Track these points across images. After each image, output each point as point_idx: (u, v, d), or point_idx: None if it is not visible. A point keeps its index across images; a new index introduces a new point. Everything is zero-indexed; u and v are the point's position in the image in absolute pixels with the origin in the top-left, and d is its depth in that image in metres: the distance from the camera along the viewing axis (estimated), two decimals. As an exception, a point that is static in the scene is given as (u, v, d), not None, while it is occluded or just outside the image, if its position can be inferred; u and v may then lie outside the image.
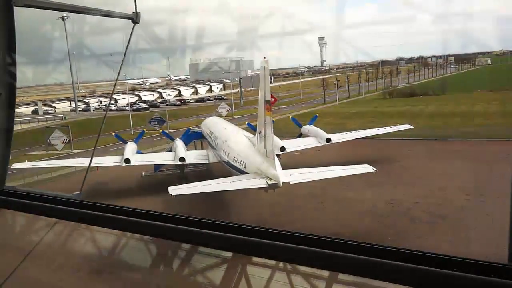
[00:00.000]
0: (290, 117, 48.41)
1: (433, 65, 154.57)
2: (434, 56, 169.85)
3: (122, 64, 10.50)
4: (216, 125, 40.88)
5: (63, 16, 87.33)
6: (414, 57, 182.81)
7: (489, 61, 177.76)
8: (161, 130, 46.64)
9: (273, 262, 3.64)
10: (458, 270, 2.42)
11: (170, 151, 40.39)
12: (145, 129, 46.11)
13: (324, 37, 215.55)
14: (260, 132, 25.95)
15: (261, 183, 23.69)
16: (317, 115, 44.67)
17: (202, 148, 44.03)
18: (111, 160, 36.93)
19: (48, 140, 57.21)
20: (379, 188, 31.64)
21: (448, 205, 28.80)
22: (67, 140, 57.47)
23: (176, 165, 37.82)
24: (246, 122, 44.84)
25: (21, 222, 6.37)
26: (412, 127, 42.32)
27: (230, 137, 33.34)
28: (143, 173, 40.57)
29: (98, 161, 36.48)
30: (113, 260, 5.53)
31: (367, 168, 25.34)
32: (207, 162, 37.16)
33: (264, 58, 24.45)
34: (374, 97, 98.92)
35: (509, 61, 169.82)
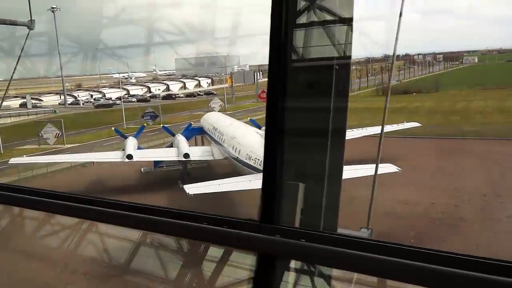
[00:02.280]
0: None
1: (421, 62, 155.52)
2: (419, 54, 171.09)
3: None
4: (219, 121, 39.60)
5: (52, 8, 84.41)
6: (399, 55, 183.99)
7: (476, 59, 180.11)
8: (161, 125, 45.09)
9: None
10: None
11: (171, 146, 39.13)
12: (145, 124, 44.63)
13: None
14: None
15: (280, 182, 22.56)
16: None
17: (202, 144, 42.84)
18: (112, 156, 35.43)
19: (40, 134, 55.11)
20: (390, 187, 30.86)
21: (466, 206, 28.16)
22: (59, 134, 55.45)
23: (179, 161, 36.54)
24: (249, 118, 43.70)
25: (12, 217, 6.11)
26: (420, 124, 41.68)
27: (240, 133, 32.10)
28: (142, 169, 39.22)
29: (98, 156, 35.03)
30: (112, 259, 5.42)
31: (391, 168, 24.47)
32: (212, 158, 35.91)
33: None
34: (367, 94, 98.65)
35: (496, 60, 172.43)
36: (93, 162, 40.74)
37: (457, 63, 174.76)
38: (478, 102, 71.42)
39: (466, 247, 21.91)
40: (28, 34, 7.25)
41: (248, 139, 29.66)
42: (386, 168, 24.61)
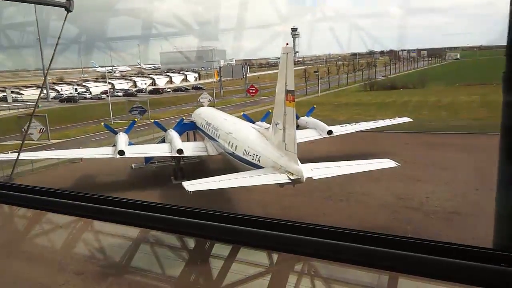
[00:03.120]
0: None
1: (406, 58, 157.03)
2: (403, 50, 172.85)
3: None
4: (213, 116, 38.98)
5: None
6: (384, 51, 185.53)
7: (458, 55, 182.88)
8: (153, 120, 44.19)
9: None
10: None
11: (163, 142, 38.43)
12: (136, 119, 43.69)
13: (297, 28, 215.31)
14: (277, 124, 24.37)
15: (282, 178, 22.25)
16: (314, 106, 43.49)
17: (194, 139, 42.23)
18: (103, 152, 34.52)
19: (23, 130, 53.53)
20: (385, 182, 30.87)
21: (460, 200, 28.32)
22: (44, 130, 53.96)
23: (172, 157, 35.88)
24: (242, 113, 43.20)
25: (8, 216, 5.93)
26: (411, 120, 41.79)
27: (236, 128, 31.57)
28: (132, 165, 38.44)
29: (89, 152, 34.13)
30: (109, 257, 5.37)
31: (389, 163, 24.37)
32: (206, 154, 35.36)
33: (287, 44, 22.84)
34: (355, 89, 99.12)
35: (478, 56, 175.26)
36: (82, 158, 39.76)
37: (440, 59, 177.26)
38: (464, 98, 72.42)
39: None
40: (66, 17, 6.60)
41: (245, 135, 29.18)
42: (385, 163, 24.51)
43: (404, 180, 31.56)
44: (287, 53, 22.56)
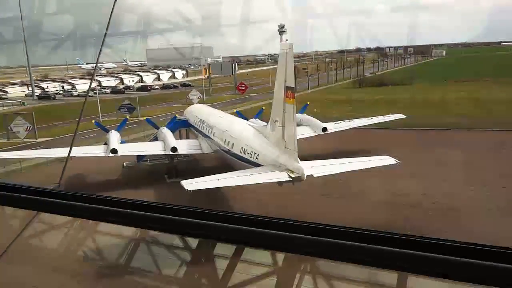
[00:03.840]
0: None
1: (393, 55, 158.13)
2: (390, 47, 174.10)
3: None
4: (207, 113, 38.45)
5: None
6: (371, 48, 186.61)
7: (444, 53, 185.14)
8: (145, 118, 43.44)
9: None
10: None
11: (156, 140, 37.80)
12: (127, 117, 42.89)
13: (284, 25, 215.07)
14: (276, 121, 24.01)
15: (282, 176, 21.94)
16: (308, 103, 43.27)
17: (187, 137, 41.66)
18: (95, 150, 33.76)
19: (9, 128, 52.24)
20: (381, 179, 30.78)
21: (456, 197, 28.37)
22: (31, 128, 52.71)
23: (165, 155, 35.29)
24: (236, 110, 42.74)
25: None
26: (404, 116, 41.83)
27: (232, 126, 31.10)
28: (124, 164, 37.75)
29: (80, 151, 33.28)
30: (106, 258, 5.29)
31: (389, 160, 24.23)
32: (201, 152, 34.86)
33: (286, 40, 22.48)
34: (344, 86, 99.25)
35: (463, 53, 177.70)
36: (71, 156, 38.87)
37: (426, 56, 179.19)
38: (452, 94, 73.09)
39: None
40: (114, 4, 6.32)
41: (242, 132, 28.74)
42: (384, 160, 24.35)
43: (399, 177, 31.52)
44: (286, 50, 22.19)
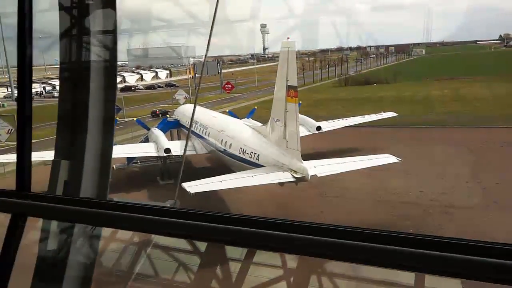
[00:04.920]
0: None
1: (375, 54, 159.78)
2: (370, 46, 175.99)
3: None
4: (200, 113, 37.92)
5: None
6: (352, 47, 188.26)
7: (423, 51, 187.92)
8: (135, 119, 42.60)
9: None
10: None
11: (147, 141, 37.15)
12: (117, 117, 41.98)
13: (266, 25, 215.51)
14: (277, 120, 23.76)
15: (286, 177, 21.72)
16: (300, 102, 43.03)
17: (179, 138, 41.10)
18: None
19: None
20: (376, 177, 30.82)
21: (453, 193, 28.58)
22: (12, 130, 51.04)
23: (158, 157, 34.69)
24: (228, 110, 42.34)
25: None
26: (397, 114, 42.10)
27: (228, 126, 30.72)
28: (114, 166, 36.92)
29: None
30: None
31: (390, 158, 24.28)
32: (195, 153, 34.38)
33: (288, 38, 22.20)
34: (330, 85, 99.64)
35: (442, 52, 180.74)
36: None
37: (406, 55, 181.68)
38: (436, 92, 74.16)
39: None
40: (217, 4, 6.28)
41: (240, 132, 28.36)
42: (386, 159, 24.37)
43: (395, 175, 31.61)
44: (288, 48, 21.95)
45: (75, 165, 5.36)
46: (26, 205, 4.51)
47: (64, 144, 5.27)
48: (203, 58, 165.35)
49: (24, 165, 5.10)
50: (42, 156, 36.04)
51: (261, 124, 30.23)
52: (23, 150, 5.17)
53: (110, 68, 5.15)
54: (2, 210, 4.69)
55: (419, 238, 2.53)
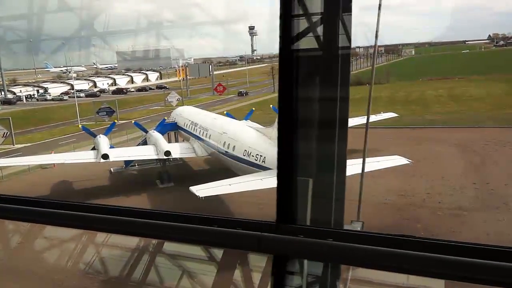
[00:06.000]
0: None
1: (366, 55, 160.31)
2: (359, 47, 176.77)
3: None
4: (199, 115, 37.37)
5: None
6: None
7: (413, 52, 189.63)
8: (133, 121, 41.89)
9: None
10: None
11: (145, 143, 36.51)
12: (116, 120, 41.23)
13: (254, 27, 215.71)
14: (284, 122, 23.26)
15: (296, 179, 21.21)
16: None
17: (176, 140, 40.52)
18: (85, 156, 32.21)
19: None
20: (379, 178, 30.50)
21: (460, 194, 28.33)
22: (8, 134, 50.02)
23: (157, 159, 34.07)
24: (225, 112, 41.80)
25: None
26: (397, 115, 41.95)
27: (230, 128, 30.12)
28: (112, 169, 36.29)
29: (69, 157, 31.66)
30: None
31: (401, 160, 23.95)
32: (195, 155, 33.78)
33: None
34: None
35: (431, 52, 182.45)
36: (54, 163, 36.93)
37: (396, 55, 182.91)
38: (431, 92, 74.47)
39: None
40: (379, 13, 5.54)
41: (243, 134, 27.72)
42: (397, 160, 24.04)
43: (399, 176, 31.33)
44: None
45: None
46: None
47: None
48: (192, 60, 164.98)
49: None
50: (38, 160, 35.40)
51: (262, 126, 29.81)
52: None
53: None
54: None
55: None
